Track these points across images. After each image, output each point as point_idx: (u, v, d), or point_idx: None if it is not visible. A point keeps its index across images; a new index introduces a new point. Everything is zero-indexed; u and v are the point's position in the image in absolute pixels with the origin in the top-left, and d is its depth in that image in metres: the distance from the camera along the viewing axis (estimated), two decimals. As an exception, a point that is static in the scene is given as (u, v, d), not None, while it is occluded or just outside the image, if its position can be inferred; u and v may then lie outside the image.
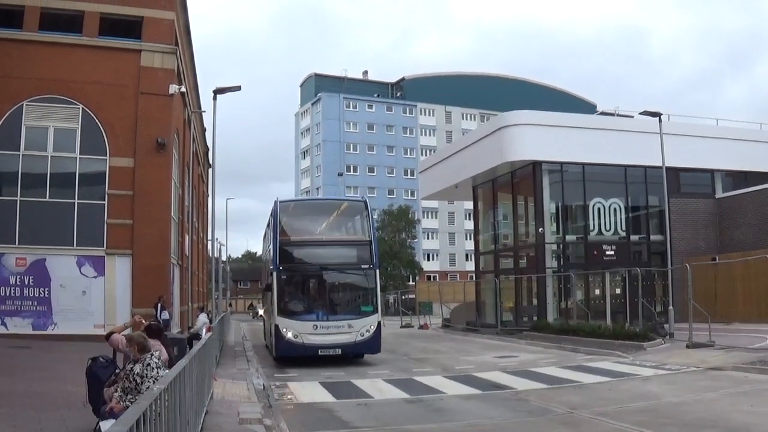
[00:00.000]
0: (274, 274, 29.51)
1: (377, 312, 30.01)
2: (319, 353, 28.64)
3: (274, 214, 31.34)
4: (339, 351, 28.90)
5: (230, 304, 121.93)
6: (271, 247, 31.80)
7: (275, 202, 31.69)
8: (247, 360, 31.15)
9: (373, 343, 29.62)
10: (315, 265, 30.35)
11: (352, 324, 29.22)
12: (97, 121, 36.31)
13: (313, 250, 31.08)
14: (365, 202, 32.35)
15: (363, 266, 30.15)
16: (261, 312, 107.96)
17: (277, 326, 29.04)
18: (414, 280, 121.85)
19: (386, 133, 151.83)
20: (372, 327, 29.48)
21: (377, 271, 30.36)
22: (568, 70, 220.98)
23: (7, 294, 34.82)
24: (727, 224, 49.27)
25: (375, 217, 36.17)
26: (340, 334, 28.95)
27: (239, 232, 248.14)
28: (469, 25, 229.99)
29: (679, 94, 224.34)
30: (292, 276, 30.34)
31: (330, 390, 21.59)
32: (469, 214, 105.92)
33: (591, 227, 46.87)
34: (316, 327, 28.93)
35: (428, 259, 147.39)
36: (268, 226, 35.92)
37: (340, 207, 35.80)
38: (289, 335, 28.70)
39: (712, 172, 50.62)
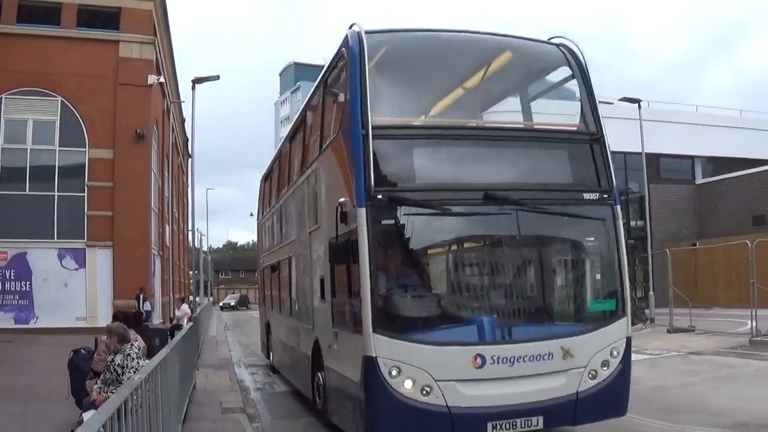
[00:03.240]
0: (364, 214, 10.99)
1: (624, 313, 12.33)
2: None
3: (351, 65, 11.92)
4: (539, 422, 11.33)
5: (211, 294, 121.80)
6: (347, 145, 11.85)
7: (349, 39, 12.11)
8: (228, 350, 31.12)
9: (616, 395, 11.96)
10: (469, 191, 11.80)
11: (570, 346, 11.53)
12: (75, 113, 36.27)
13: (462, 154, 12.32)
14: (570, 53, 13.13)
15: (588, 195, 12.28)
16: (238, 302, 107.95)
17: (370, 362, 10.86)
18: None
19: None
20: (617, 352, 12.02)
21: (617, 207, 12.60)
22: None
23: (-11, 288, 34.62)
24: (707, 210, 49.67)
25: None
26: (541, 378, 11.40)
27: (219, 221, 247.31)
28: (452, 11, 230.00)
29: (662, 80, 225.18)
30: (409, 222, 11.36)
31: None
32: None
33: (571, 213, 46.78)
34: (483, 361, 11.00)
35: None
36: (308, 107, 17.05)
37: (503, 57, 13.97)
38: (407, 386, 10.84)
39: (692, 158, 51.08)
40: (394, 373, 10.61)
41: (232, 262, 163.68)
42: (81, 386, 12.14)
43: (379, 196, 10.89)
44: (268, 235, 24.24)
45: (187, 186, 65.30)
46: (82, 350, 13.32)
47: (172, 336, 19.13)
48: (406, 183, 11.45)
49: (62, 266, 35.68)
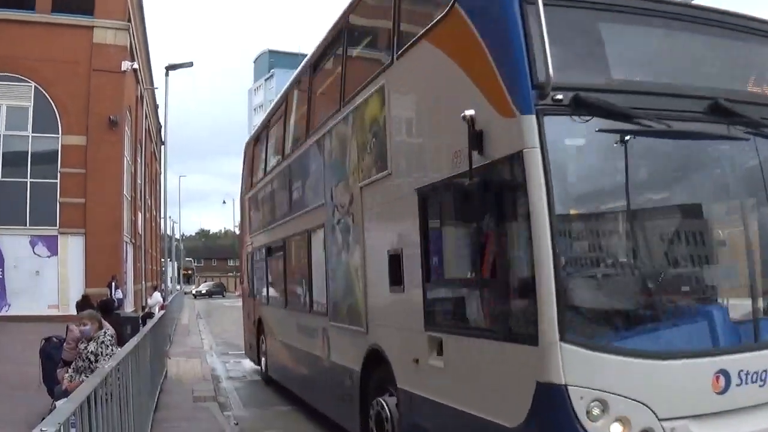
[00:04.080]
0: (534, 127, 6.18)
1: None
2: None
3: None
4: None
5: (194, 283, 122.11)
6: (483, 17, 7.08)
7: None
8: (201, 338, 31.13)
9: None
10: (689, 98, 6.93)
11: None
12: (49, 98, 36.10)
13: (673, 42, 7.45)
14: None
15: None
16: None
17: (555, 394, 5.99)
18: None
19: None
20: None
21: None
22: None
23: (-40, 275, 34.51)
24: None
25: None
26: None
27: (192, 209, 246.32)
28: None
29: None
30: (610, 146, 6.77)
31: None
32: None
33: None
34: (728, 381, 6.33)
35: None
36: (360, 3, 11.35)
37: None
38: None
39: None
40: (595, 411, 5.99)
41: (205, 251, 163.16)
42: (53, 374, 12.13)
43: (559, 96, 6.21)
44: (262, 210, 19.06)
45: (160, 173, 65.22)
46: (54, 338, 13.27)
47: (144, 324, 19.13)
48: (593, 80, 6.69)
49: (34, 253, 35.55)
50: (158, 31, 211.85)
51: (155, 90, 57.38)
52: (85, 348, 10.79)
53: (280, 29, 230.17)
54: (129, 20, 39.74)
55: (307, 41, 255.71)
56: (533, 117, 6.14)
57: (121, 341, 11.96)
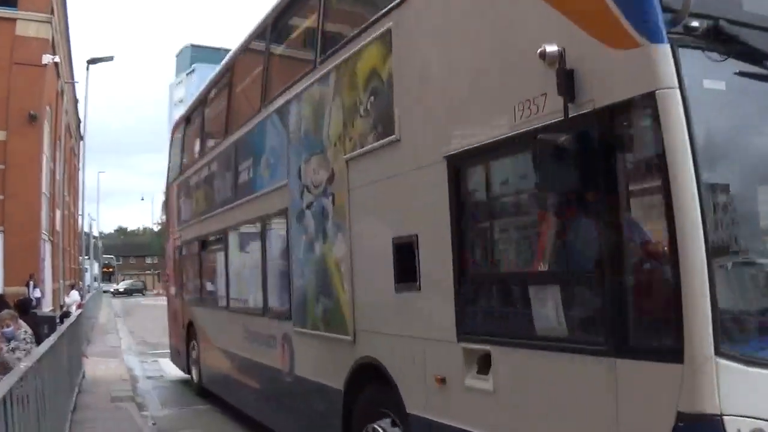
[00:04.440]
0: (670, 59, 4.33)
1: None
2: None
3: None
4: None
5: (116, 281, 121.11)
6: None
7: None
8: (119, 337, 30.88)
9: None
10: None
11: None
12: (-32, 92, 35.38)
13: None
14: None
15: None
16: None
17: (709, 428, 4.06)
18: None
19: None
20: None
21: None
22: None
23: None
24: None
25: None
26: None
27: (110, 206, 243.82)
28: None
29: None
30: (747, 89, 4.76)
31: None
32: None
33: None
34: None
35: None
36: None
37: None
38: None
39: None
40: None
41: (123, 248, 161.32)
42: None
43: (694, 24, 4.53)
44: (196, 197, 16.44)
45: (78, 170, 64.40)
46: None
47: (62, 323, 18.85)
48: (723, 9, 4.79)
49: (-49, 252, 34.94)
50: (79, 25, 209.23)
51: (75, 84, 56.66)
52: (9, 348, 10.77)
53: (203, 24, 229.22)
54: (52, 13, 39.14)
55: (230, 36, 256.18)
56: (667, 47, 4.40)
57: (38, 341, 11.90)
